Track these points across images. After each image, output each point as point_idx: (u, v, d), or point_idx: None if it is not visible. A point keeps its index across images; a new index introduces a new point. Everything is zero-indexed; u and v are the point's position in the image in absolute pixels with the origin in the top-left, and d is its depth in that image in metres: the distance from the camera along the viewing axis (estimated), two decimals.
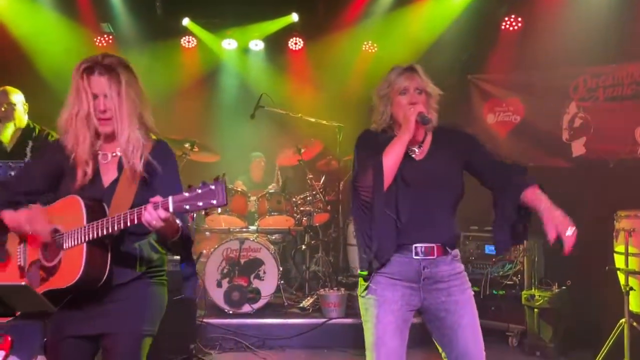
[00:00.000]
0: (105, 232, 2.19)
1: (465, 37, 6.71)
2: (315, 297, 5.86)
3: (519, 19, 6.51)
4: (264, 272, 5.68)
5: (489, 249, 5.66)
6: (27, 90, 5.09)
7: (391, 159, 2.58)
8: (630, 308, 4.55)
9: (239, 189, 6.22)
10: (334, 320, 5.42)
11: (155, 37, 7.12)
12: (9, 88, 4.72)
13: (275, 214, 6.18)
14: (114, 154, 2.45)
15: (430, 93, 2.68)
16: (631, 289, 4.51)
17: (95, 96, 2.33)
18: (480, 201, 6.49)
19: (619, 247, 4.69)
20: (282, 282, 5.92)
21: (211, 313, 5.56)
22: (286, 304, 5.90)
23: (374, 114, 2.81)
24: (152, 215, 2.07)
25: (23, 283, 1.93)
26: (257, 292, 5.59)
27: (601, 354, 4.59)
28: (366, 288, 2.67)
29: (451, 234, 2.69)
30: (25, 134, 4.71)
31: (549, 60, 6.18)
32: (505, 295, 5.49)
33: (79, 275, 2.20)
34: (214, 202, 2.04)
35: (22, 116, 4.70)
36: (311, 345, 5.30)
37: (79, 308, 2.33)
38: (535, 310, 5.18)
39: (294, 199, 6.31)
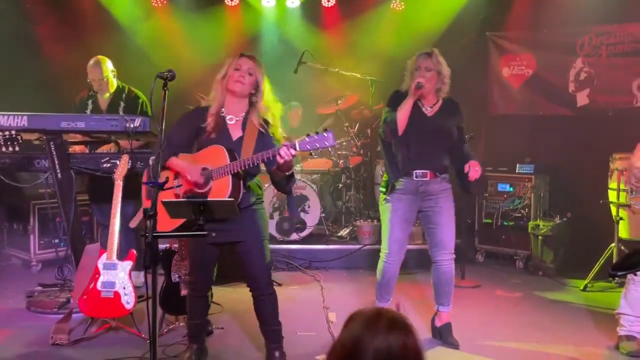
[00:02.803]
0: (247, 166, 3.07)
1: None
2: (351, 227, 6.58)
3: None
4: (309, 207, 6.35)
5: (502, 187, 6.30)
6: (99, 45, 5.70)
7: (402, 113, 3.79)
8: (620, 235, 5.24)
9: (284, 135, 6.73)
10: (368, 247, 6.13)
11: None
12: (101, 58, 5.04)
13: (316, 156, 6.75)
14: (238, 118, 3.35)
15: (440, 71, 3.80)
16: (621, 218, 5.21)
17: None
18: (495, 147, 7.30)
19: (613, 184, 5.35)
20: (323, 215, 6.60)
21: None
22: (327, 233, 6.63)
23: (404, 80, 3.95)
24: (287, 152, 2.95)
25: (232, 199, 2.84)
26: (303, 223, 6.27)
27: (593, 272, 5.33)
28: (385, 200, 3.94)
29: (441, 164, 3.88)
30: (116, 96, 5.10)
31: (559, 20, 6.49)
32: (514, 226, 6.18)
33: (227, 197, 3.08)
34: (327, 143, 2.96)
35: (113, 82, 5.09)
36: (349, 267, 6.06)
37: (218, 224, 3.17)
38: (540, 237, 5.85)
39: None
